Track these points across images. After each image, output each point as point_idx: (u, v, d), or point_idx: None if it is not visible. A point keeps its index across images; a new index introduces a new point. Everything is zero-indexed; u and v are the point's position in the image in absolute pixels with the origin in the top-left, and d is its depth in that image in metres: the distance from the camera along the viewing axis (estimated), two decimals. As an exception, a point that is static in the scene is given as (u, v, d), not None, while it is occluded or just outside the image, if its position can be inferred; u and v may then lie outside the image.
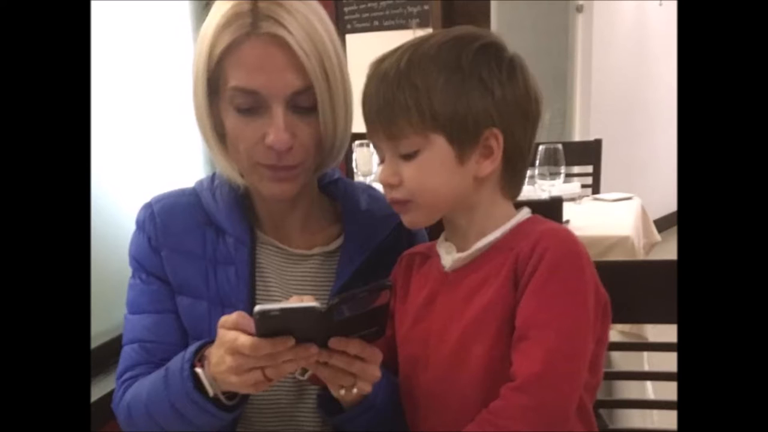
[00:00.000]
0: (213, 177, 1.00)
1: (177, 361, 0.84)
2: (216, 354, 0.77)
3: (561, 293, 0.76)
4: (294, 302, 0.77)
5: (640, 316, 1.15)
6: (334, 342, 0.75)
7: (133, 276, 0.97)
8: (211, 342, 0.81)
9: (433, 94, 0.77)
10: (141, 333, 0.94)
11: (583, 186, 2.69)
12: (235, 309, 0.78)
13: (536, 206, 0.90)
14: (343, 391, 0.80)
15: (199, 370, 0.81)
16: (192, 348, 0.84)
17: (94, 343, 1.32)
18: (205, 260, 0.94)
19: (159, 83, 1.51)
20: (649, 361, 1.80)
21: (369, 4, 3.88)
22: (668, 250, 1.03)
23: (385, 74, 0.79)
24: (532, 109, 0.83)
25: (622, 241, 1.94)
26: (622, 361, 1.68)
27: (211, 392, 0.81)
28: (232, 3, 0.85)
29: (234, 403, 0.83)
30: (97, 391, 1.22)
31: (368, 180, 2.28)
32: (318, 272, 0.97)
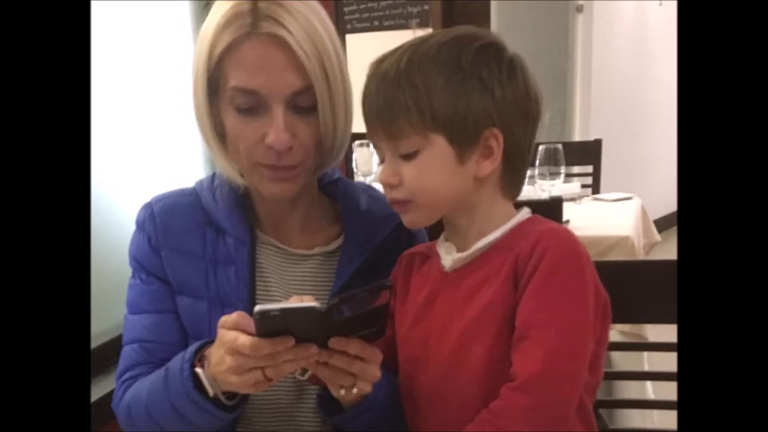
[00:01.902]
0: (213, 177, 1.00)
1: (177, 361, 0.84)
2: (216, 354, 0.77)
3: (561, 293, 0.76)
4: (294, 302, 0.77)
5: (640, 316, 1.15)
6: (334, 342, 0.75)
7: (133, 276, 0.97)
8: (211, 342, 0.81)
9: (433, 94, 0.77)
10: (141, 333, 0.94)
11: (583, 186, 2.69)
12: (235, 309, 0.78)
13: (536, 206, 0.90)
14: (343, 391, 0.80)
15: (199, 370, 0.81)
16: (192, 348, 0.84)
17: (94, 343, 1.32)
18: (205, 260, 0.94)
19: (159, 83, 1.51)
20: (649, 361, 1.80)
21: (369, 4, 3.88)
22: (668, 250, 1.03)
23: (385, 74, 0.79)
24: (532, 109, 0.83)
25: (622, 241, 1.94)
26: (622, 361, 1.68)
27: (211, 392, 0.81)
28: (232, 3, 0.85)
29: (234, 403, 0.83)
30: (97, 391, 1.22)
31: (368, 180, 2.28)
32: (318, 272, 0.97)
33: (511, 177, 0.84)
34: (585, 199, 2.51)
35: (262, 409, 0.92)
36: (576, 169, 2.81)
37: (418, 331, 0.86)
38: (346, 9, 3.65)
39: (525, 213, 0.86)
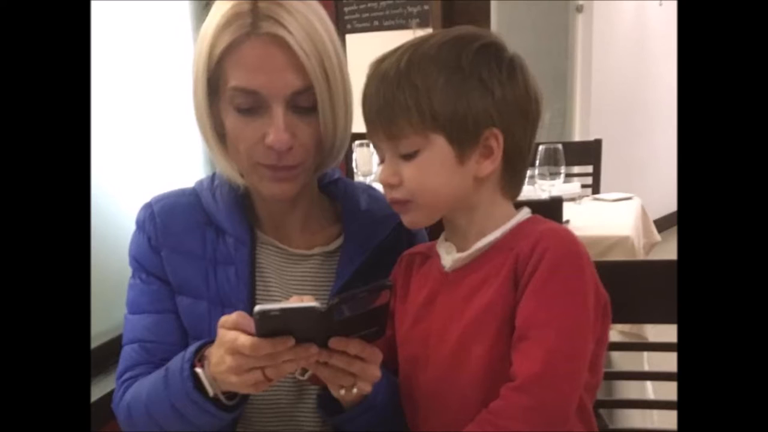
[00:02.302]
0: (213, 177, 1.00)
1: (177, 361, 0.84)
2: (216, 354, 0.77)
3: (561, 293, 0.76)
4: (294, 302, 0.77)
5: (640, 316, 1.15)
6: (334, 342, 0.75)
7: (133, 276, 0.97)
8: (211, 342, 0.81)
9: (433, 94, 0.77)
10: (141, 333, 0.94)
11: (583, 186, 2.69)
12: (235, 309, 0.78)
13: (536, 206, 0.90)
14: (343, 391, 0.80)
15: (199, 370, 0.81)
16: (192, 348, 0.84)
17: (94, 343, 1.32)
18: (205, 260, 0.94)
19: (159, 83, 1.51)
20: (649, 361, 1.80)
21: (369, 4, 3.88)
22: (668, 250, 1.03)
23: (385, 74, 0.79)
24: (532, 109, 0.83)
25: (622, 241, 1.94)
26: (622, 361, 1.68)
27: (211, 392, 0.81)
28: (232, 3, 0.85)
29: (234, 403, 0.83)
30: (97, 391, 1.22)
31: (368, 180, 2.28)
32: (318, 272, 0.97)
33: (511, 177, 0.84)
34: (585, 199, 2.52)
35: (262, 409, 0.92)
36: (576, 169, 2.81)
37: (418, 331, 0.86)
38: (346, 9, 3.66)
39: (525, 213, 0.86)
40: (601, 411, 1.27)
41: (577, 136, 4.23)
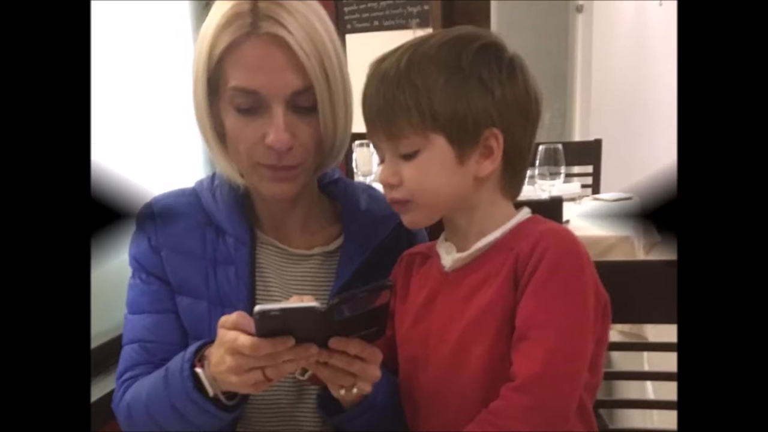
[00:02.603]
0: (213, 177, 1.00)
1: (177, 361, 0.84)
2: (216, 354, 0.77)
3: (561, 293, 0.76)
4: (294, 302, 0.77)
5: (640, 316, 1.15)
6: (334, 342, 0.75)
7: (133, 276, 0.97)
8: (211, 342, 0.81)
9: (433, 94, 0.77)
10: (141, 333, 0.94)
11: (583, 186, 2.69)
12: (235, 309, 0.78)
13: (536, 206, 0.90)
14: (343, 391, 0.80)
15: (199, 370, 0.81)
16: (192, 348, 0.84)
17: (94, 343, 1.32)
18: (205, 260, 0.94)
19: (159, 83, 1.51)
20: (649, 361, 1.79)
21: (369, 4, 3.88)
22: (668, 250, 1.03)
23: (385, 74, 0.79)
24: (532, 109, 0.83)
25: (622, 241, 1.94)
26: (622, 361, 1.68)
27: (211, 392, 0.81)
28: (232, 3, 0.85)
29: (234, 403, 0.83)
30: (97, 391, 1.22)
31: (368, 180, 2.28)
32: (318, 272, 0.97)
33: (511, 177, 0.84)
34: (585, 199, 2.51)
35: (262, 409, 0.92)
36: (576, 169, 2.81)
37: (418, 331, 0.86)
38: (346, 9, 3.65)
39: (525, 213, 0.86)
40: (601, 411, 1.27)
41: (577, 136, 4.23)
